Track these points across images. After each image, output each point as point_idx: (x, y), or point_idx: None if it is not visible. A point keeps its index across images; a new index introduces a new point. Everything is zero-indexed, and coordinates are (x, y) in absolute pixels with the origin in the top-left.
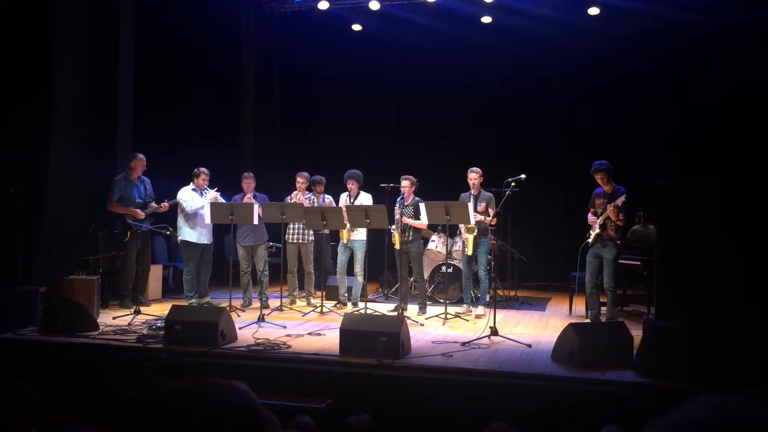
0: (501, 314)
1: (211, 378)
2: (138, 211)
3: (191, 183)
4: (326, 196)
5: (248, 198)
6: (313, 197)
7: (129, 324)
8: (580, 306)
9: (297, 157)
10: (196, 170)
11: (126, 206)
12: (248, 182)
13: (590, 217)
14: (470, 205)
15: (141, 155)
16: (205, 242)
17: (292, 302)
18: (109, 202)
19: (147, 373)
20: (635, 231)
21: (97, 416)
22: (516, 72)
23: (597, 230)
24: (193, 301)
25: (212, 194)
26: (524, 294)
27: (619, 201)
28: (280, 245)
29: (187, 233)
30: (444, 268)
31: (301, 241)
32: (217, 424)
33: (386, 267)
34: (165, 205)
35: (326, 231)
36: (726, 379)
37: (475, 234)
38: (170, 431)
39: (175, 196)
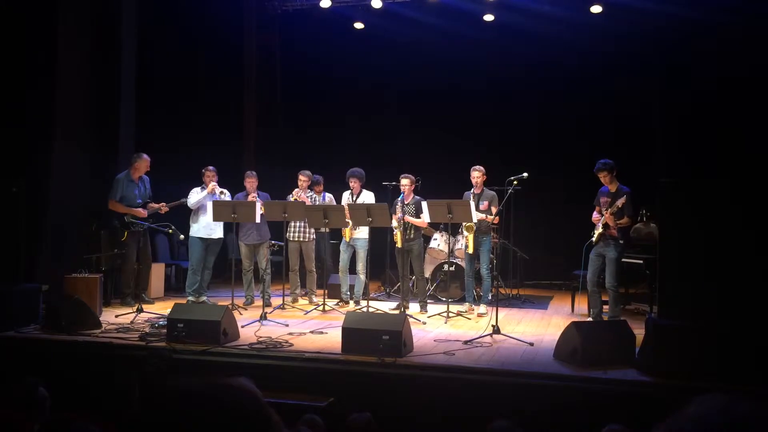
0: (503, 312)
1: (219, 377)
2: (141, 210)
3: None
4: (326, 194)
5: (253, 197)
6: (314, 196)
7: (131, 322)
8: (582, 304)
9: (299, 155)
10: (203, 169)
11: (127, 205)
12: (251, 181)
13: (595, 216)
14: (472, 204)
15: (146, 156)
16: (204, 236)
17: (294, 300)
18: (110, 200)
19: (150, 371)
20: (637, 229)
21: (100, 414)
22: (519, 70)
23: (600, 230)
24: (191, 298)
25: (210, 186)
26: (526, 292)
27: (620, 202)
28: (282, 243)
29: (191, 228)
30: (446, 267)
31: (302, 239)
32: (225, 424)
33: (388, 265)
34: (165, 206)
35: (326, 229)
36: (728, 377)
37: (473, 233)
38: (178, 431)
39: (177, 197)
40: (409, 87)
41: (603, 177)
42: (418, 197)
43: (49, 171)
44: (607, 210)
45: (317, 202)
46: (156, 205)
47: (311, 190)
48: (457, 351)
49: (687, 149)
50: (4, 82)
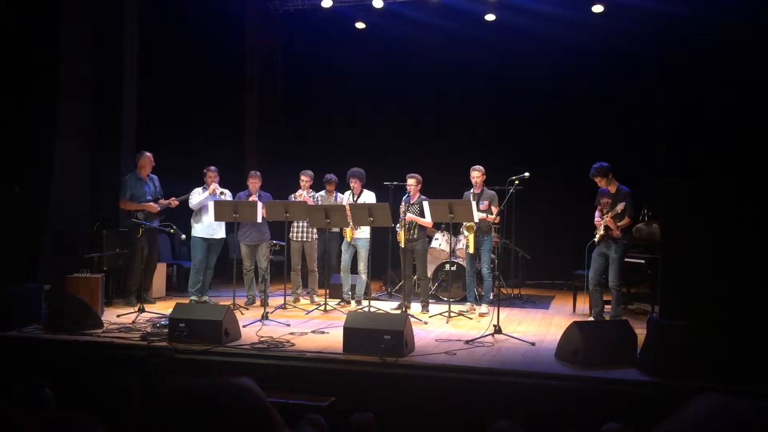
0: (504, 312)
1: (221, 377)
2: (153, 204)
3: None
4: (339, 194)
5: (253, 198)
6: (319, 196)
7: (133, 322)
8: (584, 304)
9: (301, 155)
10: (204, 169)
11: (138, 203)
12: (254, 181)
13: (596, 217)
14: (473, 204)
15: (148, 153)
16: (206, 236)
17: (296, 300)
18: (121, 200)
19: (151, 371)
20: (639, 229)
21: (102, 414)
22: (520, 70)
23: (602, 231)
24: (193, 297)
25: (212, 187)
26: (528, 292)
27: (619, 207)
28: (284, 243)
29: (194, 229)
30: (448, 266)
31: (304, 239)
32: (227, 424)
33: (390, 265)
34: (174, 200)
35: (335, 229)
36: (730, 377)
37: (474, 233)
38: (181, 431)
39: (178, 196)
40: (410, 87)
41: (599, 181)
42: (423, 197)
43: (51, 171)
44: (608, 213)
45: (319, 202)
46: (165, 201)
47: (324, 189)
48: (458, 351)
49: (687, 149)
50: (6, 82)
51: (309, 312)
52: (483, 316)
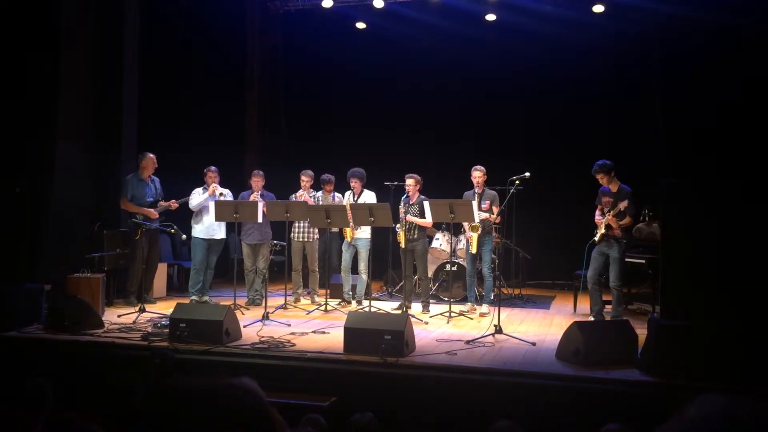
0: (505, 312)
1: (222, 377)
2: (152, 211)
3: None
4: (336, 194)
5: (255, 197)
6: (319, 196)
7: (134, 322)
8: (584, 304)
9: (302, 155)
10: (204, 169)
11: (137, 204)
12: (257, 180)
13: (597, 216)
14: (474, 204)
15: (151, 154)
16: (206, 237)
17: (297, 300)
18: (122, 200)
19: (152, 371)
20: (640, 229)
21: (102, 414)
22: (520, 70)
23: (603, 230)
24: (194, 297)
25: (212, 188)
26: (528, 292)
27: (622, 206)
28: (284, 243)
29: (194, 229)
30: (448, 267)
31: (306, 239)
32: (227, 424)
33: (390, 265)
34: (174, 203)
35: (335, 229)
36: (731, 377)
37: (479, 232)
38: (181, 431)
39: (179, 195)
40: (411, 86)
41: (601, 179)
42: (422, 197)
43: (52, 171)
44: (609, 212)
45: (320, 202)
46: (165, 203)
47: (321, 189)
48: (459, 351)
49: (687, 149)
50: (6, 81)
51: (310, 312)
52: (484, 316)
